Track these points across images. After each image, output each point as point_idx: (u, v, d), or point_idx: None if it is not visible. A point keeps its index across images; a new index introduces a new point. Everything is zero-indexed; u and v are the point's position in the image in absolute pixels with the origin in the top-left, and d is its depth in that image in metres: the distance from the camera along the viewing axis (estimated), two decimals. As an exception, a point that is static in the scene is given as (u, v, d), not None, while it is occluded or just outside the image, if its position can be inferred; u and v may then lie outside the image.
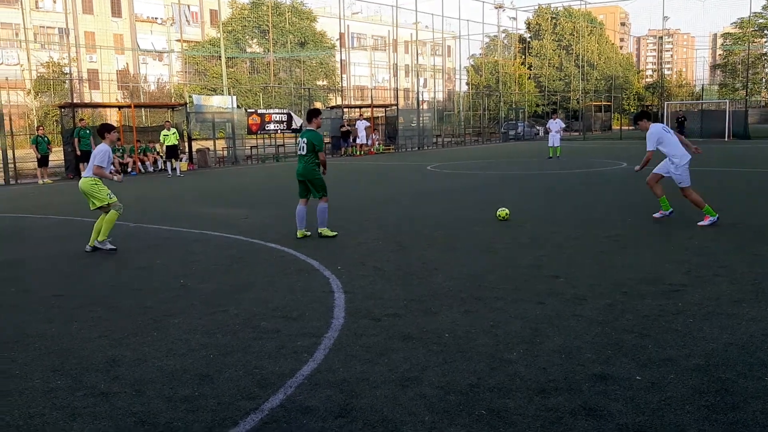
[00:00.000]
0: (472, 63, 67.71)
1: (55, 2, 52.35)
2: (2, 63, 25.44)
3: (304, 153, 9.38)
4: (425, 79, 68.94)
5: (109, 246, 8.63)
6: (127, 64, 55.25)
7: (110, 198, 8.75)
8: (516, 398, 3.94)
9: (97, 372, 4.55)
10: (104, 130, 9.05)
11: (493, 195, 14.25)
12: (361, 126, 33.98)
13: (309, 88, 49.15)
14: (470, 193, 15.01)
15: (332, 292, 6.49)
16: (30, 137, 27.28)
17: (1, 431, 3.71)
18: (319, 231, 9.59)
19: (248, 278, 7.35)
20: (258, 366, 4.57)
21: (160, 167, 24.87)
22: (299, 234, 9.59)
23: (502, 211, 10.59)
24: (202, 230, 10.59)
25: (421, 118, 41.06)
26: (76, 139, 22.57)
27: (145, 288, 7.04)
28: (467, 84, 66.45)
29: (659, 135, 9.64)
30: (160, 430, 3.68)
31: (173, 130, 23.44)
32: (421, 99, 47.07)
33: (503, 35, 67.42)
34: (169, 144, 23.18)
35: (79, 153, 22.50)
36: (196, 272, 7.68)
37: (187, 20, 56.38)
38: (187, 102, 30.52)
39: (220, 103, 30.13)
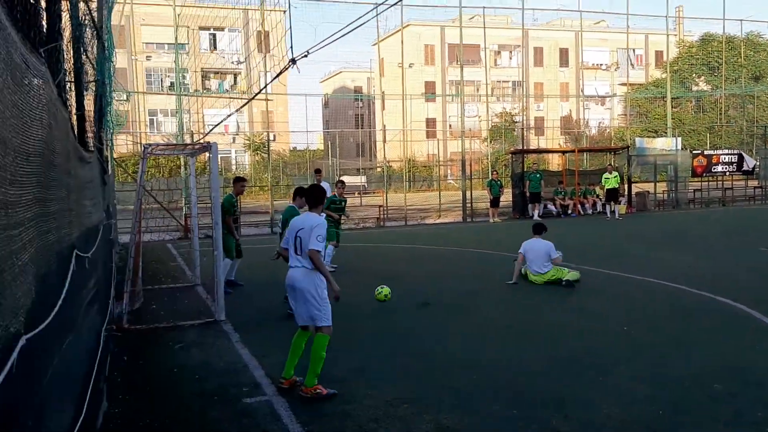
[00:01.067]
0: None
1: (510, 58, 58.00)
2: (467, 116, 29.19)
3: None
4: None
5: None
6: (570, 110, 57.62)
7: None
8: None
9: (547, 408, 4.85)
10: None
11: None
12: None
13: (765, 126, 43.75)
14: None
15: (800, 362, 5.69)
16: (483, 180, 30.53)
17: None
18: None
19: (695, 333, 6.95)
20: (711, 430, 4.29)
21: (598, 209, 25.13)
22: None
23: (382, 291, 7.75)
24: (643, 276, 10.35)
25: None
26: (527, 182, 24.48)
27: (588, 330, 7.22)
28: None
29: None
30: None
31: (615, 173, 23.47)
32: None
33: None
34: (610, 187, 23.29)
35: (528, 194, 24.31)
36: (639, 320, 7.57)
37: (631, 64, 56.20)
38: (629, 145, 30.25)
39: (664, 145, 29.10)
